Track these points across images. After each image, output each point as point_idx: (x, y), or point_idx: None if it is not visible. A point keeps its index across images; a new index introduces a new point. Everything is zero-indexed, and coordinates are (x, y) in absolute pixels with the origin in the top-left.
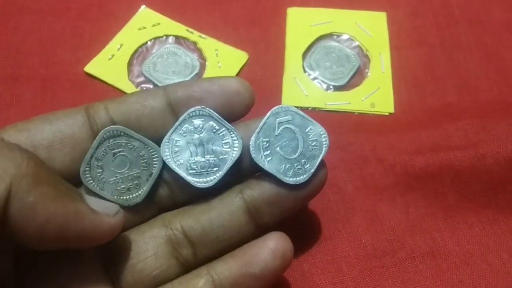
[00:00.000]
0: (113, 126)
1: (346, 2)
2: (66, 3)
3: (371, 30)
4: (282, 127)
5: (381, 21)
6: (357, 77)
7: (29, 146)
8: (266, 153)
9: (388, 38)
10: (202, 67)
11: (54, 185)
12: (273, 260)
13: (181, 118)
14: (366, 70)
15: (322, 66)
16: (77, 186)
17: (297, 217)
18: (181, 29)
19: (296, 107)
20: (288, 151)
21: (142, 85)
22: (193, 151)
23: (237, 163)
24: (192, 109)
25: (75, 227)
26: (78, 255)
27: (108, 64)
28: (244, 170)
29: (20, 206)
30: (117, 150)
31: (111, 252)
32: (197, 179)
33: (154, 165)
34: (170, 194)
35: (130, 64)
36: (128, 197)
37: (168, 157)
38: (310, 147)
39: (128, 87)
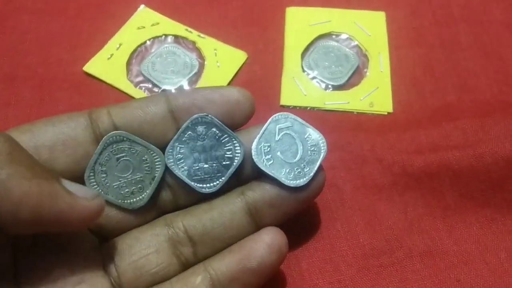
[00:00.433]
0: (116, 131)
1: (345, 2)
2: (64, 3)
3: (370, 29)
4: (282, 133)
5: (380, 20)
6: (356, 77)
7: (31, 147)
8: (267, 157)
9: (387, 37)
10: (201, 66)
11: (29, 165)
12: (269, 254)
13: (184, 126)
14: (365, 70)
15: (321, 66)
16: None
17: (295, 216)
18: (180, 29)
19: (295, 106)
20: (288, 155)
21: (141, 85)
22: (197, 158)
23: (239, 169)
24: (195, 116)
25: (50, 208)
26: (74, 248)
27: (107, 64)
28: (246, 176)
29: None
30: (120, 155)
31: (112, 247)
32: (201, 185)
33: (157, 169)
34: (173, 198)
35: (129, 63)
36: (132, 200)
37: (172, 164)
38: (309, 151)
39: (127, 87)
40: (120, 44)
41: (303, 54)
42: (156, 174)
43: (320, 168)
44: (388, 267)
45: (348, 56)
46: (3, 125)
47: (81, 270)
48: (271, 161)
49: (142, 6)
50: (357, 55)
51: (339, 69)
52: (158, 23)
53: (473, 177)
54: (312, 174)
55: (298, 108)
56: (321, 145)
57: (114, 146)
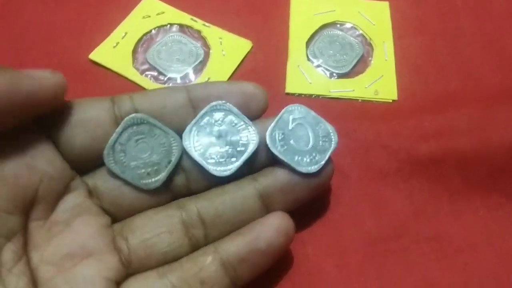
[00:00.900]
0: (137, 114)
1: None
2: None
3: (374, 19)
4: (296, 123)
5: (384, 10)
6: (360, 65)
7: (53, 123)
8: (280, 143)
9: (391, 27)
10: (207, 55)
11: None
12: (277, 236)
13: (202, 111)
14: (370, 58)
15: (326, 54)
16: (98, 166)
17: (305, 204)
18: (185, 18)
19: (300, 94)
20: (300, 144)
21: (147, 72)
22: (213, 142)
23: (253, 156)
24: (214, 103)
25: (17, 92)
26: (85, 224)
27: (113, 52)
28: (259, 164)
29: None
30: (139, 136)
31: (124, 225)
32: (216, 168)
33: (173, 153)
34: (186, 183)
35: (134, 51)
36: (147, 181)
37: (188, 146)
38: (320, 142)
39: (133, 74)
40: (126, 33)
41: (307, 43)
42: (172, 158)
43: (330, 159)
44: (395, 252)
45: (353, 45)
46: None
47: (91, 245)
48: (285, 147)
49: None
50: (362, 44)
51: (344, 58)
52: (163, 12)
53: (479, 162)
54: (323, 162)
55: (303, 95)
56: (332, 136)
57: (134, 127)
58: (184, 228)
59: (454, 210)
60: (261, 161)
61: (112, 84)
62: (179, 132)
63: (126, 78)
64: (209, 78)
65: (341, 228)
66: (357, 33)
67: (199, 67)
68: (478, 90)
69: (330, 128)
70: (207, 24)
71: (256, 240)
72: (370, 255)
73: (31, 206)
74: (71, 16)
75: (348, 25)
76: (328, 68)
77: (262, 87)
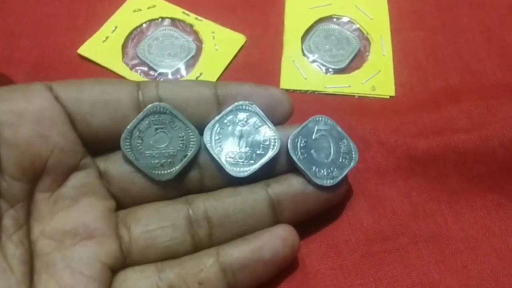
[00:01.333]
0: (160, 103)
1: None
2: None
3: (371, 12)
4: (320, 133)
5: (381, 3)
6: (357, 60)
7: (74, 98)
8: (301, 151)
9: (389, 20)
10: (199, 49)
11: None
12: (283, 247)
13: (227, 109)
14: (367, 53)
15: (322, 49)
16: (112, 149)
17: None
18: (177, 11)
19: (295, 90)
20: (321, 155)
21: (137, 68)
22: (233, 142)
23: (272, 161)
24: (240, 102)
25: None
26: (90, 205)
27: (102, 47)
28: (276, 170)
29: None
30: (159, 126)
31: (129, 213)
32: (233, 168)
33: (191, 148)
34: (200, 179)
35: (124, 46)
36: (160, 172)
37: (209, 142)
38: (341, 158)
39: (122, 70)
40: (116, 27)
41: (303, 38)
42: (188, 153)
43: (346, 178)
44: (393, 252)
45: (349, 39)
46: None
47: (94, 226)
48: (304, 156)
49: None
50: (359, 38)
51: (340, 53)
52: (154, 6)
53: (479, 160)
54: (340, 178)
55: (298, 92)
56: (353, 154)
57: (156, 116)
58: (188, 224)
59: (453, 209)
60: (279, 167)
61: None
62: (201, 126)
63: (116, 74)
64: (201, 74)
65: (337, 228)
66: (354, 27)
67: (191, 62)
68: (478, 86)
69: (353, 147)
70: (199, 18)
71: (261, 249)
72: (367, 257)
73: (39, 176)
74: (61, 9)
75: (344, 19)
76: (324, 63)
77: (287, 94)
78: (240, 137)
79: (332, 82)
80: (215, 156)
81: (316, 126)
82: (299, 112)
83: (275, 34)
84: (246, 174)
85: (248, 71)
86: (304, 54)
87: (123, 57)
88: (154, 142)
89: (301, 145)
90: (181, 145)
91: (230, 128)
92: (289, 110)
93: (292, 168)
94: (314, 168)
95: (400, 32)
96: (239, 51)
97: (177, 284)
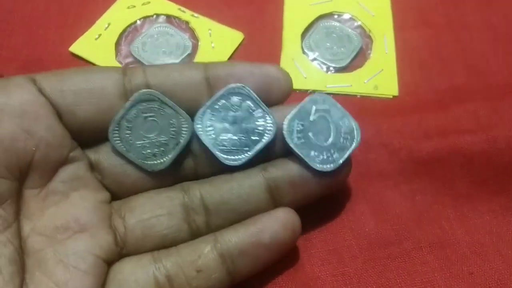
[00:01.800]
0: (148, 90)
1: None
2: None
3: (374, 9)
4: (318, 114)
5: (384, 0)
6: (359, 59)
7: (57, 89)
8: (298, 135)
9: (392, 18)
10: (195, 47)
11: None
12: (283, 231)
13: (219, 93)
14: (369, 51)
15: (322, 47)
16: (102, 140)
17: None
18: (172, 8)
19: (295, 90)
20: (320, 138)
21: (131, 66)
22: (226, 128)
23: (268, 146)
24: (232, 85)
25: None
26: (83, 197)
27: (94, 44)
28: (273, 155)
29: None
30: (148, 114)
31: (124, 204)
32: (226, 156)
33: (183, 135)
34: (194, 167)
35: (118, 44)
36: (152, 162)
37: (200, 130)
38: (341, 139)
39: None
40: (109, 24)
41: (303, 35)
42: (181, 140)
43: (349, 158)
44: (396, 258)
45: (351, 37)
46: None
47: (86, 219)
48: (302, 140)
49: None
50: (361, 36)
51: (341, 51)
52: (149, 2)
53: (485, 163)
54: (341, 161)
55: (298, 91)
56: (355, 134)
57: (144, 104)
58: (185, 212)
59: (459, 214)
60: (277, 151)
61: None
62: (192, 111)
63: None
64: None
65: (338, 233)
66: (356, 24)
67: (187, 60)
68: (484, 85)
69: (354, 125)
70: (195, 14)
71: (260, 233)
72: (369, 263)
73: (26, 173)
74: (52, 6)
75: (346, 16)
76: (325, 61)
77: (287, 72)
78: (233, 123)
79: (333, 81)
80: (208, 145)
81: (314, 106)
82: None
83: (274, 31)
84: (240, 162)
85: None
86: (304, 52)
87: (116, 55)
88: (144, 131)
89: (298, 128)
90: (172, 132)
91: (222, 113)
92: (287, 89)
93: (290, 151)
94: (312, 152)
95: (403, 30)
96: (236, 49)
97: (174, 273)
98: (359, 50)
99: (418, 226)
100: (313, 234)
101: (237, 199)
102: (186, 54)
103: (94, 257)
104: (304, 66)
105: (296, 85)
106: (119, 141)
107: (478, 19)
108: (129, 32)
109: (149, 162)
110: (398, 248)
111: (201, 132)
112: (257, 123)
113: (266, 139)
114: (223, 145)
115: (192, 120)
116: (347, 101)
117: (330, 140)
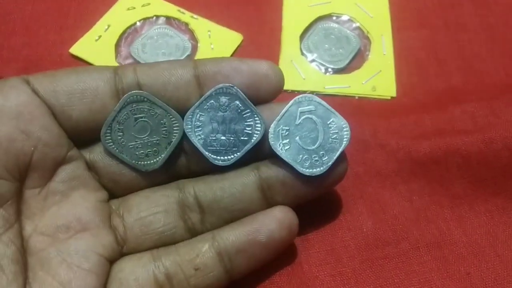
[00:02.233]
0: (137, 91)
1: None
2: None
3: (372, 11)
4: (304, 116)
5: (382, 1)
6: (357, 60)
7: (50, 90)
8: (284, 141)
9: (390, 19)
10: (194, 48)
11: None
12: (279, 230)
13: (207, 93)
14: (367, 53)
15: (321, 48)
16: (94, 141)
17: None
18: (172, 10)
19: (293, 91)
20: (307, 141)
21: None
22: (215, 128)
23: (257, 146)
24: (220, 85)
25: None
26: (83, 197)
27: (94, 45)
28: (263, 154)
29: None
30: (139, 115)
31: (121, 203)
32: (215, 156)
33: (174, 134)
34: (187, 165)
35: (118, 45)
36: (146, 162)
37: (189, 130)
38: (330, 139)
39: None
40: (109, 26)
41: (301, 36)
42: (173, 139)
43: (342, 157)
44: (393, 258)
45: (349, 38)
46: None
47: (87, 219)
48: (288, 146)
49: None
50: (359, 37)
51: (340, 52)
52: (149, 4)
53: (482, 164)
54: (330, 163)
55: (296, 92)
56: (344, 133)
57: (134, 105)
58: (180, 209)
59: (456, 214)
60: (265, 151)
61: None
62: (182, 110)
63: None
64: None
65: (336, 234)
66: (354, 25)
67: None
68: (481, 86)
69: (343, 123)
70: (195, 16)
71: (257, 232)
72: (367, 263)
73: (25, 173)
74: (52, 7)
75: (344, 18)
76: (323, 63)
77: (278, 67)
78: (222, 123)
79: (332, 82)
80: (197, 145)
81: (299, 109)
82: None
83: (273, 33)
84: (229, 162)
85: None
86: (302, 54)
87: (116, 57)
88: (136, 132)
89: (284, 134)
90: (164, 132)
91: (211, 114)
92: (277, 86)
93: None
94: (300, 157)
95: (401, 31)
96: (235, 50)
97: (174, 271)
98: (357, 51)
99: (415, 226)
100: (311, 234)
101: (230, 197)
102: (186, 55)
103: (97, 256)
104: (303, 67)
105: (295, 86)
106: (111, 143)
107: (475, 21)
108: (129, 34)
109: (142, 162)
110: (396, 248)
111: (190, 132)
112: (245, 123)
113: (254, 139)
114: (212, 145)
115: (183, 118)
116: (345, 102)
117: (318, 142)
